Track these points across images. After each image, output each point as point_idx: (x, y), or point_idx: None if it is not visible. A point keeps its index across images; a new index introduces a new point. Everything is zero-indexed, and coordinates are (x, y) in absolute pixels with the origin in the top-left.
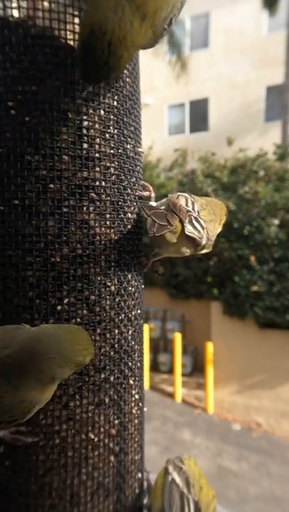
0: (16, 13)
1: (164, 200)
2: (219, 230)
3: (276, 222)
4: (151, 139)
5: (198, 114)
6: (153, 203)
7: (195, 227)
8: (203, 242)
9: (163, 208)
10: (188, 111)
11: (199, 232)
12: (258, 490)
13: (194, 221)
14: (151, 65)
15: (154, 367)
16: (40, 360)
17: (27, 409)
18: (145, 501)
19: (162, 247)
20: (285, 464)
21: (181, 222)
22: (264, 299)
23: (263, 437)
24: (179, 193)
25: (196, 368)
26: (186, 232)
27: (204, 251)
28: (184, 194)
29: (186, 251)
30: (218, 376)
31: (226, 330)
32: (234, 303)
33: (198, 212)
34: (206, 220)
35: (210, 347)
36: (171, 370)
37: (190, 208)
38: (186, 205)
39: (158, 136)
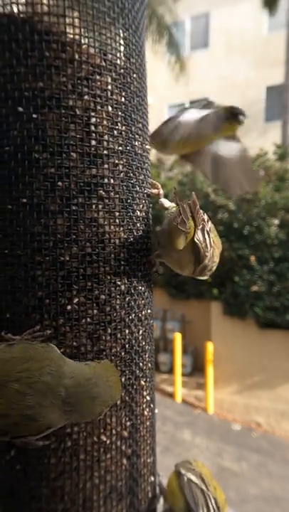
0: (22, 9)
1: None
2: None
3: (276, 222)
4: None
5: None
6: (166, 202)
7: (204, 239)
8: (206, 260)
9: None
10: None
11: (206, 246)
12: (258, 490)
13: (205, 233)
14: (152, 65)
15: (154, 367)
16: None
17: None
18: (158, 506)
19: (165, 252)
20: (285, 464)
21: (195, 225)
22: (264, 299)
23: (263, 437)
24: None
25: (196, 368)
26: (195, 239)
27: (201, 276)
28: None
29: (187, 265)
30: (218, 376)
31: (226, 330)
32: (234, 303)
33: (210, 228)
34: (214, 241)
35: (210, 347)
36: (171, 370)
37: (205, 219)
38: (203, 214)
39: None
